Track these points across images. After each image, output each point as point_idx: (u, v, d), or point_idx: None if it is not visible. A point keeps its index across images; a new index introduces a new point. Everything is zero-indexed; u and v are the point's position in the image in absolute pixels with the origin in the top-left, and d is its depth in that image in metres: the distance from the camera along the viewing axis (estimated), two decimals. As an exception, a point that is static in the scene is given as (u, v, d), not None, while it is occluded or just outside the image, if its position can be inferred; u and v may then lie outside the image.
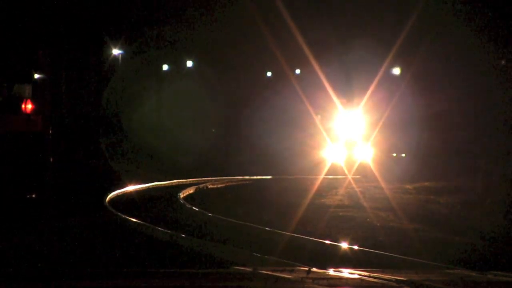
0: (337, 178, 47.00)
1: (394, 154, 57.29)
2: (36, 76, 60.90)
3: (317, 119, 54.47)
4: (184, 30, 69.21)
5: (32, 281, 13.96)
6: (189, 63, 73.64)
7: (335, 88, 54.19)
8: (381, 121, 52.73)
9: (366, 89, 52.90)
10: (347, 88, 55.42)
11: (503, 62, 48.62)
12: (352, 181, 43.86)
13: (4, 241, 20.83)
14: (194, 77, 72.26)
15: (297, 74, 65.93)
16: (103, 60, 66.05)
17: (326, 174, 48.28)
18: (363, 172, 49.49)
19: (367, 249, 18.96)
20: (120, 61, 66.85)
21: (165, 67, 73.30)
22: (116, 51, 66.33)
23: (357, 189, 38.73)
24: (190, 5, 67.43)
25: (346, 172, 49.49)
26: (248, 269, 15.20)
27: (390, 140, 54.00)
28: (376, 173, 46.57)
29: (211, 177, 43.31)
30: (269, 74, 71.47)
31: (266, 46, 62.06)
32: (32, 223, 24.64)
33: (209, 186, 40.23)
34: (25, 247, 19.90)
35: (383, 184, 40.65)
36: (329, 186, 40.65)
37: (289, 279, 14.10)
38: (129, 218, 24.75)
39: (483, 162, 42.38)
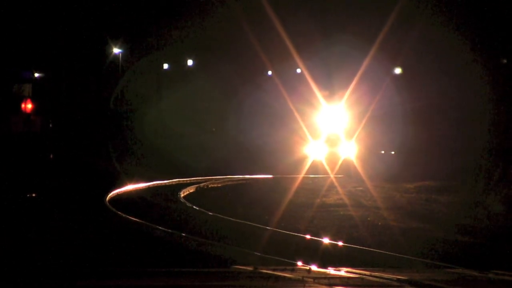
0: (321, 178, 45.75)
1: (383, 152, 56.34)
2: (36, 75, 60.89)
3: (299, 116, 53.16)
4: (182, 29, 69.23)
5: (32, 280, 13.92)
6: (190, 62, 73.63)
7: (317, 82, 53.51)
8: (365, 116, 51.64)
9: (349, 83, 52.03)
10: (330, 82, 54.59)
11: (504, 60, 48.41)
12: (335, 181, 42.62)
13: (4, 241, 20.80)
14: (193, 76, 72.27)
15: (298, 73, 65.66)
16: (104, 59, 66.00)
17: (306, 173, 47.03)
18: (346, 171, 48.18)
19: (368, 248, 18.93)
20: (120, 60, 66.80)
21: (165, 65, 73.30)
22: (116, 50, 66.29)
23: (357, 189, 38.65)
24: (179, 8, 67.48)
25: (328, 170, 48.23)
26: (249, 268, 15.16)
27: (375, 136, 52.89)
28: (361, 172, 45.45)
29: (209, 176, 43.22)
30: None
31: (250, 43, 61.86)
32: (32, 223, 24.62)
33: (209, 186, 40.21)
34: (25, 246, 19.88)
35: (368, 183, 40.06)
36: (329, 186, 40.57)
37: (290, 278, 14.06)
38: (129, 217, 24.73)
39: (484, 161, 42.21)
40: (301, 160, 49.98)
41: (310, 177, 46.10)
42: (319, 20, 61.78)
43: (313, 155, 50.38)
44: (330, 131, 51.62)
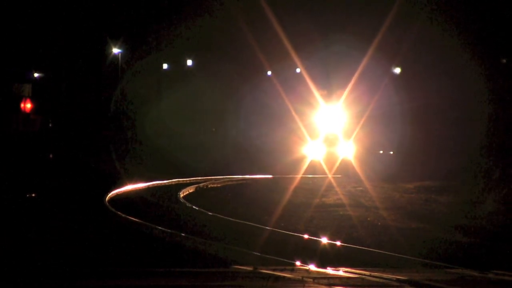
0: (320, 178, 45.49)
1: (381, 151, 55.96)
2: (36, 75, 60.88)
3: (295, 115, 52.75)
4: (182, 29, 69.26)
5: (32, 280, 13.93)
6: (189, 62, 73.66)
7: (315, 81, 53.26)
8: (364, 116, 51.29)
9: (348, 82, 51.74)
10: (328, 81, 54.27)
11: (503, 60, 48.32)
12: (334, 181, 42.39)
13: (4, 241, 20.80)
14: (193, 76, 72.32)
15: (297, 73, 65.58)
16: (104, 59, 66.03)
17: (304, 174, 46.74)
18: (344, 171, 47.87)
19: (368, 248, 18.93)
20: (120, 60, 66.82)
21: (164, 66, 73.33)
22: (116, 50, 66.30)
23: (357, 189, 38.64)
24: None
25: (326, 170, 47.92)
26: (249, 268, 15.17)
27: (373, 136, 52.53)
28: (359, 172, 45.13)
29: (208, 176, 43.18)
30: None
31: (249, 43, 61.75)
32: (32, 223, 24.62)
33: (209, 186, 40.21)
34: (25, 247, 19.88)
35: (368, 183, 39.90)
36: (328, 186, 40.56)
37: (289, 278, 14.07)
38: (129, 217, 24.72)
39: (483, 161, 42.16)
40: (299, 160, 49.78)
41: (309, 177, 46.02)
42: (318, 20, 61.76)
43: (311, 155, 50.12)
44: (328, 131, 51.36)
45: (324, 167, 48.63)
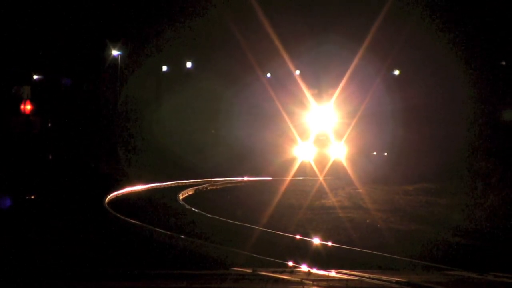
0: (314, 180, 45.21)
1: (375, 153, 55.58)
2: (36, 77, 60.89)
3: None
4: (180, 31, 69.28)
5: (32, 280, 13.94)
6: (188, 64, 73.67)
7: (306, 81, 52.99)
8: (356, 116, 50.90)
9: (339, 82, 51.41)
10: (319, 81, 53.90)
11: (503, 63, 48.23)
12: (331, 183, 42.17)
13: (4, 241, 20.81)
14: (192, 78, 72.32)
15: (296, 74, 65.31)
16: (104, 60, 66.05)
17: (294, 175, 46.53)
18: (335, 173, 47.56)
19: (367, 250, 18.92)
20: (119, 61, 66.84)
21: (164, 67, 73.32)
22: (116, 52, 66.32)
23: (356, 191, 38.63)
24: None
25: (317, 172, 47.65)
26: (248, 270, 15.19)
27: (365, 137, 52.14)
28: (351, 174, 44.84)
29: (207, 178, 43.18)
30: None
31: (244, 43, 61.61)
32: (32, 223, 24.62)
33: (208, 188, 40.23)
34: (25, 247, 19.88)
35: (365, 186, 39.77)
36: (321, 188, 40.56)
37: (289, 280, 14.09)
38: (128, 219, 24.71)
39: (483, 162, 42.10)
40: (290, 162, 49.54)
41: (302, 179, 45.95)
42: (309, 19, 61.62)
43: (301, 156, 49.81)
44: (319, 131, 50.99)
45: (315, 168, 48.37)
